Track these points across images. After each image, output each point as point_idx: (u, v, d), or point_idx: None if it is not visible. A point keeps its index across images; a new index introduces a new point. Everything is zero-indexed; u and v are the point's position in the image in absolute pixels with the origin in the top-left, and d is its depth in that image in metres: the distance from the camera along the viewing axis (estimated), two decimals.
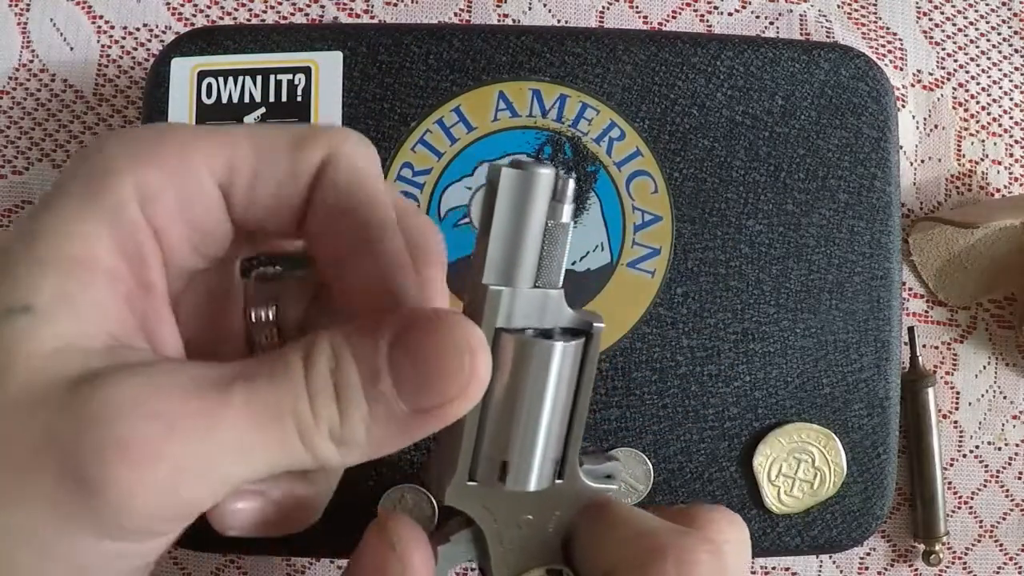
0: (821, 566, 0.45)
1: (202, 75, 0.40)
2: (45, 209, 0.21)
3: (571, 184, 0.22)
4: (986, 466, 0.46)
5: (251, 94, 0.40)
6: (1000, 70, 0.48)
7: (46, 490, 0.18)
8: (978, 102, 0.48)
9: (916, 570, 0.45)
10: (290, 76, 0.40)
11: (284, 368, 0.20)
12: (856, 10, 0.48)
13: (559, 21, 0.47)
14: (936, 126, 0.48)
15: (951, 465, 0.46)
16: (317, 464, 0.21)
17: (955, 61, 0.48)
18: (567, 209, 0.22)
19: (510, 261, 0.21)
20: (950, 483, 0.46)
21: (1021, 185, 0.48)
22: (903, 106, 0.47)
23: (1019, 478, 0.46)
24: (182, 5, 0.47)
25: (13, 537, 0.19)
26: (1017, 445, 0.46)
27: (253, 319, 0.25)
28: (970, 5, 0.48)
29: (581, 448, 0.24)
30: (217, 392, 0.20)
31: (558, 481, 0.24)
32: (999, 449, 0.46)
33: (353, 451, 0.21)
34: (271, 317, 0.25)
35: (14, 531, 0.19)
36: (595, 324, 0.23)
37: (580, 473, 0.24)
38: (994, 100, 0.48)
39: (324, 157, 0.23)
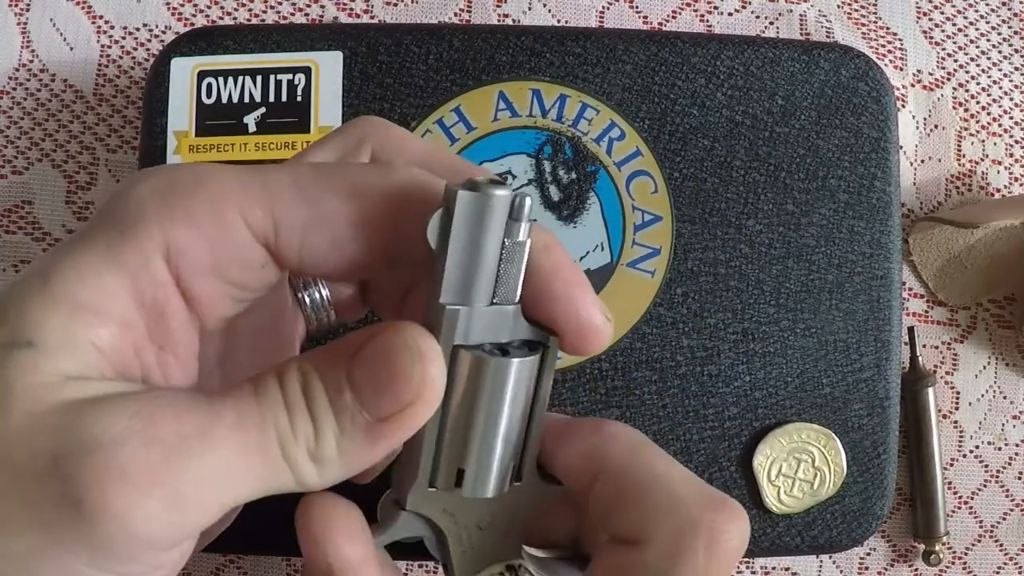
0: (821, 566, 0.45)
1: (202, 75, 0.40)
2: (69, 251, 0.21)
3: (527, 203, 0.22)
4: (986, 466, 0.46)
5: (251, 94, 0.40)
6: (1000, 70, 0.48)
7: (45, 515, 0.19)
8: (978, 102, 0.48)
9: (916, 570, 0.45)
10: (290, 76, 0.40)
11: (264, 385, 0.21)
12: (856, 10, 0.48)
13: (559, 21, 0.47)
14: (936, 126, 0.48)
15: (951, 465, 0.46)
16: (299, 486, 0.21)
17: (955, 61, 0.48)
18: (524, 228, 0.22)
19: (467, 281, 0.22)
20: (950, 483, 0.46)
21: (1021, 185, 0.48)
22: (903, 106, 0.47)
23: (1019, 478, 0.46)
24: (182, 5, 0.47)
25: (8, 563, 0.19)
26: (1017, 445, 0.46)
27: (308, 302, 0.26)
28: (970, 5, 0.48)
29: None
30: (210, 407, 0.20)
31: (516, 483, 0.24)
32: (999, 449, 0.46)
33: (328, 468, 0.21)
34: (324, 297, 0.26)
35: (10, 557, 0.19)
36: (552, 337, 0.23)
37: (537, 475, 0.25)
38: (994, 100, 0.48)
39: (390, 203, 0.22)
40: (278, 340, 0.25)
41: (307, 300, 0.27)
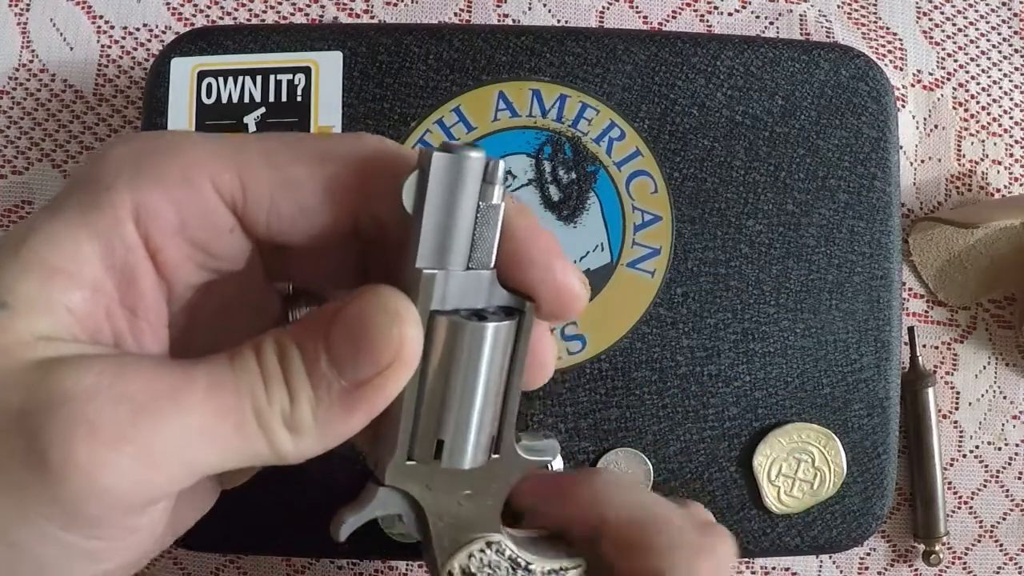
0: (821, 566, 0.45)
1: (202, 75, 0.40)
2: (45, 216, 0.21)
3: (501, 166, 0.22)
4: (986, 466, 0.46)
5: (251, 94, 0.40)
6: (1000, 70, 0.48)
7: (13, 476, 0.18)
8: (978, 102, 0.48)
9: (916, 570, 0.45)
10: (290, 76, 0.40)
11: (240, 356, 0.21)
12: (856, 10, 0.48)
13: (559, 21, 0.47)
14: (936, 126, 0.48)
15: (951, 465, 0.46)
16: (275, 455, 0.21)
17: (955, 61, 0.48)
18: (497, 191, 0.22)
19: (443, 245, 0.22)
20: (950, 483, 0.46)
21: (1021, 185, 0.48)
22: (903, 106, 0.47)
23: (1019, 478, 0.46)
24: (182, 5, 0.47)
25: None
26: (1017, 445, 0.46)
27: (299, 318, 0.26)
28: (970, 5, 0.48)
29: (525, 428, 0.25)
30: (183, 371, 0.20)
31: (494, 456, 0.24)
32: (999, 449, 0.46)
33: (305, 438, 0.21)
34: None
35: None
36: (528, 303, 0.23)
37: (517, 448, 0.25)
38: (994, 100, 0.48)
39: (359, 169, 0.23)
40: (250, 320, 0.25)
41: (299, 317, 0.27)
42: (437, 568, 0.25)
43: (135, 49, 0.47)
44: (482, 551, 0.25)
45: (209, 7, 0.47)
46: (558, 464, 0.38)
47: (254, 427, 0.21)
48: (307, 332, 0.21)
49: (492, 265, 0.23)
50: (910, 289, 0.46)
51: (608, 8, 0.47)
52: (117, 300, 0.21)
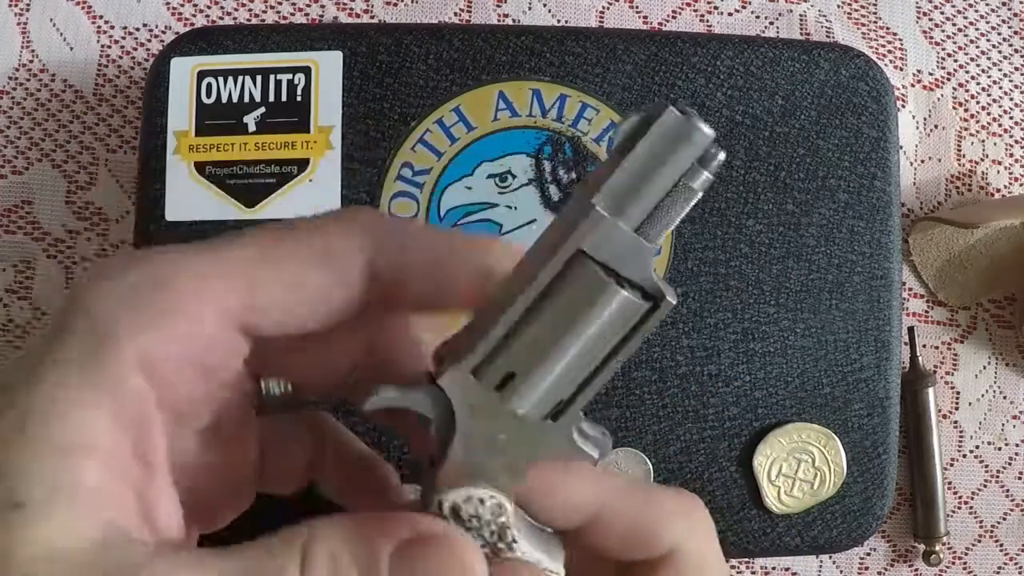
0: (821, 566, 0.45)
1: (202, 75, 0.40)
2: (39, 377, 0.19)
3: (720, 156, 0.21)
4: (986, 466, 0.46)
5: (251, 94, 0.40)
6: (1000, 70, 0.48)
7: None
8: (978, 102, 0.48)
9: (916, 570, 0.45)
10: (290, 76, 0.40)
11: (277, 563, 0.20)
12: (856, 10, 0.48)
13: (559, 21, 0.47)
14: (936, 126, 0.48)
15: (951, 465, 0.46)
16: None
17: (955, 61, 0.48)
18: (704, 177, 0.21)
19: (627, 196, 0.20)
20: (950, 483, 0.46)
21: (1021, 185, 0.48)
22: (903, 106, 0.47)
23: (1019, 478, 0.46)
24: (182, 5, 0.47)
25: None
26: (1017, 445, 0.46)
27: (263, 390, 0.24)
28: (970, 5, 0.48)
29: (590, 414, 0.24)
30: None
31: (550, 421, 0.23)
32: (999, 449, 0.46)
33: None
34: (285, 389, 0.24)
35: None
36: (667, 298, 0.22)
37: (574, 427, 0.23)
38: (994, 100, 0.48)
39: (367, 258, 0.22)
40: (238, 416, 0.24)
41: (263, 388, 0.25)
42: (431, 492, 0.23)
43: (135, 49, 0.47)
44: (481, 501, 0.23)
45: (209, 7, 0.47)
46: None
47: None
48: (366, 552, 0.20)
49: (658, 244, 0.21)
50: (910, 289, 0.46)
51: (608, 8, 0.47)
52: (132, 456, 0.20)
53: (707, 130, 0.21)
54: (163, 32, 0.47)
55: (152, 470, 0.21)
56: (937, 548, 0.44)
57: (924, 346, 0.46)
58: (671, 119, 0.20)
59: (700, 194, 0.21)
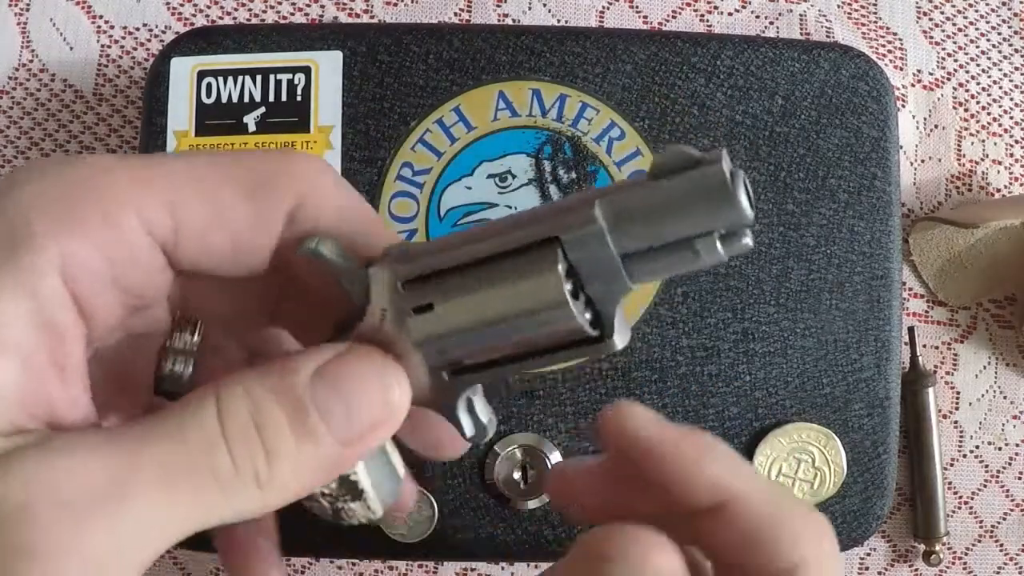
0: None
1: (202, 75, 0.40)
2: None
3: (746, 243, 0.19)
4: (986, 466, 0.46)
5: (251, 94, 0.40)
6: (1000, 70, 0.48)
7: None
8: (978, 102, 0.48)
9: (916, 570, 0.45)
10: (290, 76, 0.40)
11: (195, 420, 0.19)
12: (856, 10, 0.48)
13: (559, 21, 0.47)
14: (936, 126, 0.48)
15: (951, 465, 0.46)
16: (237, 516, 0.20)
17: (955, 61, 0.48)
18: (717, 254, 0.19)
19: (631, 220, 0.19)
20: (950, 483, 0.45)
21: (1021, 185, 0.48)
22: (903, 106, 0.47)
23: (1019, 478, 0.46)
24: (182, 5, 0.47)
25: None
26: (1017, 445, 0.46)
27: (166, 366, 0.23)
28: (970, 5, 0.48)
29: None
30: (126, 453, 0.19)
31: (445, 374, 0.22)
32: (999, 449, 0.46)
33: (280, 494, 0.20)
34: (192, 342, 0.24)
35: None
36: (612, 338, 0.21)
37: (464, 395, 0.22)
38: (994, 100, 0.48)
39: (292, 207, 0.22)
40: (152, 345, 0.24)
41: (180, 344, 0.24)
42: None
43: (135, 49, 0.47)
44: None
45: (209, 7, 0.47)
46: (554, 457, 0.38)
47: (214, 497, 0.19)
48: (285, 383, 0.20)
49: (632, 287, 0.20)
50: (910, 289, 0.46)
51: (608, 8, 0.47)
52: (46, 362, 0.20)
53: (747, 209, 0.19)
54: (163, 32, 0.47)
55: (66, 376, 0.20)
56: (937, 548, 0.44)
57: (924, 346, 0.46)
58: (718, 172, 0.18)
59: (703, 264, 0.19)
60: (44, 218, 0.19)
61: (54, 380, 0.20)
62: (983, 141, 0.48)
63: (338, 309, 0.23)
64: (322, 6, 0.47)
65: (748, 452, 0.39)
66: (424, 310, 0.21)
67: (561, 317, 0.20)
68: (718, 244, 0.19)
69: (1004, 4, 0.49)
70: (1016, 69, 0.48)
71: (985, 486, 0.46)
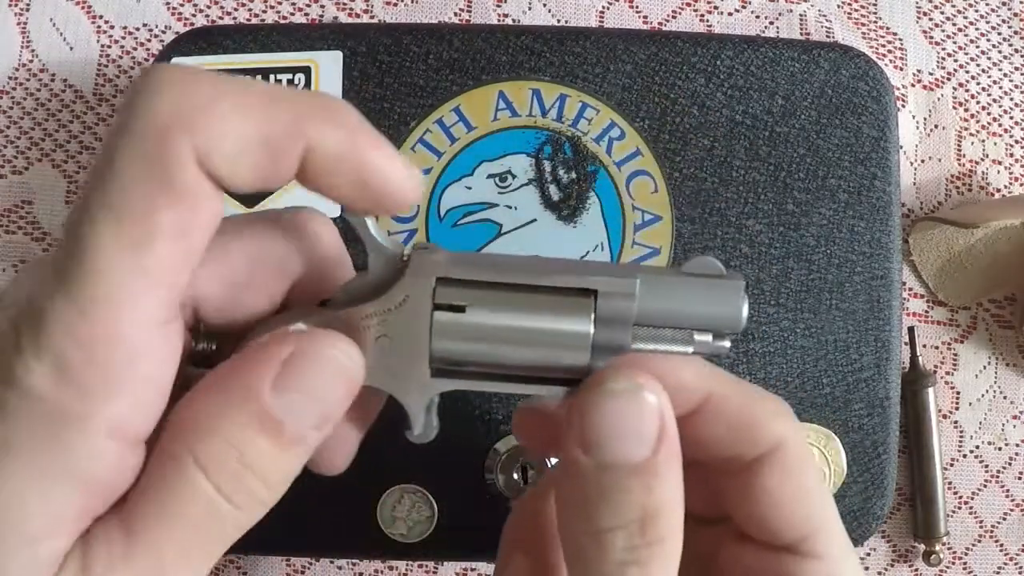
0: None
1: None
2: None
3: (726, 345, 0.23)
4: (986, 466, 0.46)
5: None
6: (1000, 70, 0.48)
7: None
8: (978, 102, 0.48)
9: (916, 570, 0.45)
10: (290, 76, 0.40)
11: (189, 491, 0.20)
12: (856, 10, 0.48)
13: (559, 21, 0.47)
14: (936, 126, 0.48)
15: (951, 465, 0.46)
16: (249, 526, 0.21)
17: (955, 61, 0.48)
18: (710, 345, 0.23)
19: (658, 298, 0.23)
20: (950, 483, 0.45)
21: (1021, 185, 0.48)
22: (903, 106, 0.47)
23: (1019, 478, 0.46)
24: (182, 5, 0.47)
25: None
26: (1017, 445, 0.46)
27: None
28: (970, 5, 0.48)
29: None
30: (153, 566, 0.20)
31: (427, 370, 0.23)
32: (999, 449, 0.46)
33: (280, 492, 0.21)
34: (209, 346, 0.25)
35: None
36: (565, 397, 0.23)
37: (432, 395, 0.24)
38: (994, 100, 0.48)
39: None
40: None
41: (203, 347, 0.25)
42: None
43: (135, 49, 0.47)
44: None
45: (209, 7, 0.47)
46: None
47: (228, 532, 0.21)
48: (251, 416, 0.20)
49: (629, 346, 0.23)
50: (910, 289, 0.46)
51: (608, 8, 0.47)
52: (103, 512, 0.21)
53: (745, 320, 0.23)
54: (163, 32, 0.47)
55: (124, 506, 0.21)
56: (937, 548, 0.44)
57: (924, 346, 0.46)
58: (738, 286, 0.23)
59: (687, 351, 0.23)
60: (74, 388, 0.19)
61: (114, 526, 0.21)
62: (983, 141, 0.48)
63: (331, 285, 0.24)
64: (322, 6, 0.47)
65: None
66: (455, 310, 0.23)
67: (574, 356, 0.23)
68: (711, 339, 0.23)
69: (1004, 4, 0.49)
70: (1016, 69, 0.48)
71: (985, 486, 0.46)
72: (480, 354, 0.23)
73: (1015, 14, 0.49)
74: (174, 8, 0.47)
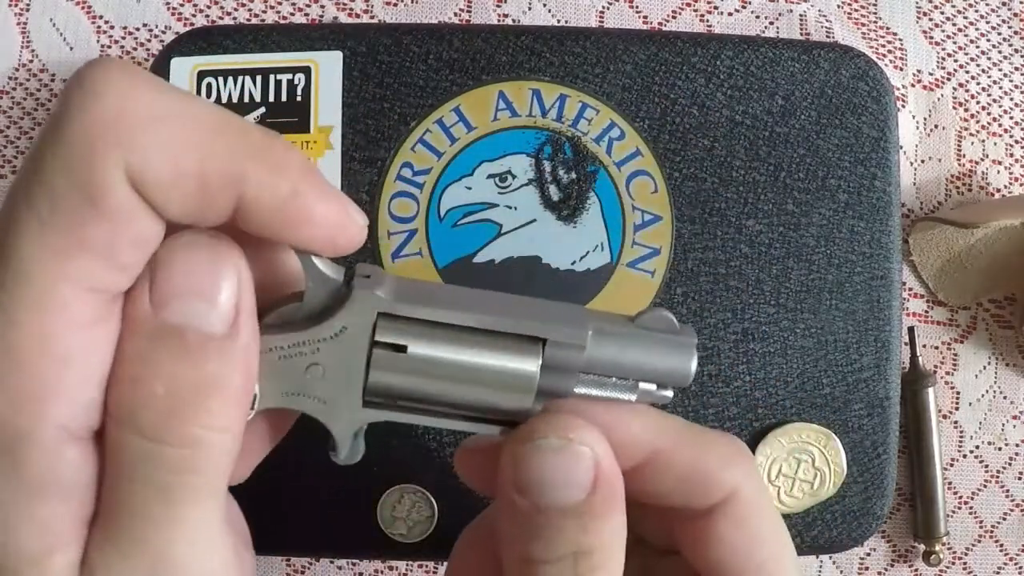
0: (821, 566, 0.45)
1: (202, 75, 0.40)
2: None
3: (668, 395, 0.23)
4: (986, 466, 0.46)
5: (251, 94, 0.40)
6: (1000, 70, 0.48)
7: None
8: (978, 102, 0.48)
9: (916, 570, 0.45)
10: (290, 76, 0.40)
11: (121, 453, 0.19)
12: (856, 10, 0.48)
13: (559, 21, 0.47)
14: (936, 126, 0.48)
15: (951, 465, 0.46)
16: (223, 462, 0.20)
17: (955, 61, 0.48)
18: (654, 395, 0.23)
19: (607, 348, 0.23)
20: (950, 483, 0.46)
21: (1021, 185, 0.48)
22: (903, 106, 0.47)
23: (1019, 478, 0.46)
24: (182, 5, 0.47)
25: None
26: (1017, 445, 0.46)
27: None
28: (970, 5, 0.48)
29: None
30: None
31: (360, 400, 0.23)
32: (999, 449, 0.46)
33: (224, 414, 0.20)
34: None
35: None
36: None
37: (359, 425, 0.23)
38: (994, 100, 0.48)
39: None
40: None
41: None
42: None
43: (135, 49, 0.47)
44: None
45: (209, 7, 0.47)
46: None
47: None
48: (131, 340, 0.19)
49: (574, 389, 0.23)
50: (910, 289, 0.46)
51: (608, 8, 0.47)
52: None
53: (692, 376, 0.23)
54: (163, 32, 0.47)
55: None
56: (937, 548, 0.44)
57: (924, 346, 0.46)
58: (691, 344, 0.23)
59: (630, 399, 0.23)
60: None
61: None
62: (983, 141, 0.48)
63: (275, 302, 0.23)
64: (322, 6, 0.47)
65: None
66: (396, 349, 0.22)
67: (517, 400, 0.23)
68: (655, 387, 0.23)
69: (1004, 4, 0.49)
70: (1016, 69, 0.48)
71: (985, 486, 0.46)
72: (418, 391, 0.22)
73: (1015, 14, 0.49)
74: (174, 8, 0.47)
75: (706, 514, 0.23)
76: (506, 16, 0.47)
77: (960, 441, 0.46)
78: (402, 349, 0.22)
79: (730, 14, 0.48)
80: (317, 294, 0.22)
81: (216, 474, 0.20)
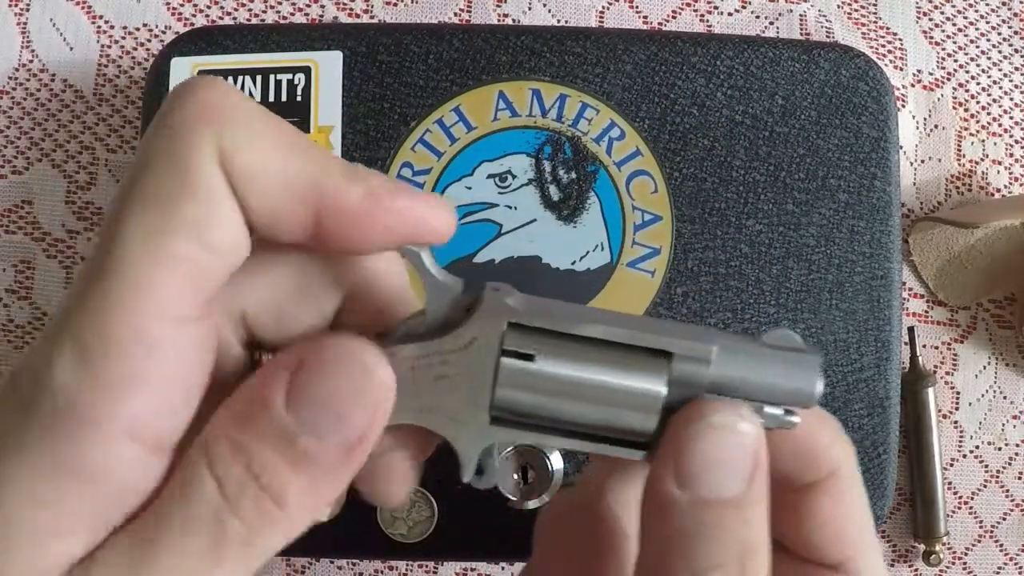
0: None
1: (202, 75, 0.40)
2: (9, 463, 0.19)
3: (796, 420, 0.22)
4: (986, 466, 0.46)
5: (251, 94, 0.40)
6: (1000, 70, 0.48)
7: None
8: (978, 102, 0.48)
9: (916, 570, 0.45)
10: (290, 76, 0.40)
11: (197, 496, 0.19)
12: (856, 10, 0.48)
13: (559, 21, 0.47)
14: (936, 126, 0.48)
15: (951, 465, 0.46)
16: (269, 554, 0.20)
17: (955, 61, 0.48)
18: (780, 419, 0.22)
19: (733, 366, 0.22)
20: (950, 483, 0.46)
21: (1021, 185, 0.48)
22: (903, 106, 0.47)
23: (1019, 478, 0.46)
24: (182, 5, 0.47)
25: None
26: (1017, 445, 0.46)
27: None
28: (970, 5, 0.48)
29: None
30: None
31: (487, 416, 0.22)
32: (999, 449, 0.46)
33: (301, 519, 0.20)
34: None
35: None
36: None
37: (493, 442, 0.23)
38: (994, 100, 0.48)
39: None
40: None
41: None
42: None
43: (135, 49, 0.47)
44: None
45: (209, 7, 0.47)
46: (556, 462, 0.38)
47: (237, 554, 0.20)
48: (263, 428, 0.20)
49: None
50: (910, 289, 0.46)
51: (608, 8, 0.47)
52: (120, 522, 0.20)
53: (819, 395, 0.22)
54: (163, 32, 0.47)
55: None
56: (937, 548, 0.44)
57: (924, 346, 0.46)
58: (816, 361, 0.22)
59: (754, 425, 0.22)
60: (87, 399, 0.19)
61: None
62: (983, 141, 0.48)
63: (387, 321, 0.23)
64: (322, 6, 0.47)
65: None
66: (523, 358, 0.22)
67: (642, 418, 0.22)
68: (778, 411, 0.22)
69: (1004, 4, 0.49)
70: (1016, 69, 0.48)
71: (985, 486, 0.46)
72: (544, 407, 0.22)
73: (1015, 14, 0.49)
74: (174, 8, 0.47)
75: (806, 489, 0.23)
76: (506, 16, 0.47)
77: (960, 441, 0.46)
78: (530, 358, 0.22)
79: (730, 14, 0.48)
80: (438, 303, 0.22)
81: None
